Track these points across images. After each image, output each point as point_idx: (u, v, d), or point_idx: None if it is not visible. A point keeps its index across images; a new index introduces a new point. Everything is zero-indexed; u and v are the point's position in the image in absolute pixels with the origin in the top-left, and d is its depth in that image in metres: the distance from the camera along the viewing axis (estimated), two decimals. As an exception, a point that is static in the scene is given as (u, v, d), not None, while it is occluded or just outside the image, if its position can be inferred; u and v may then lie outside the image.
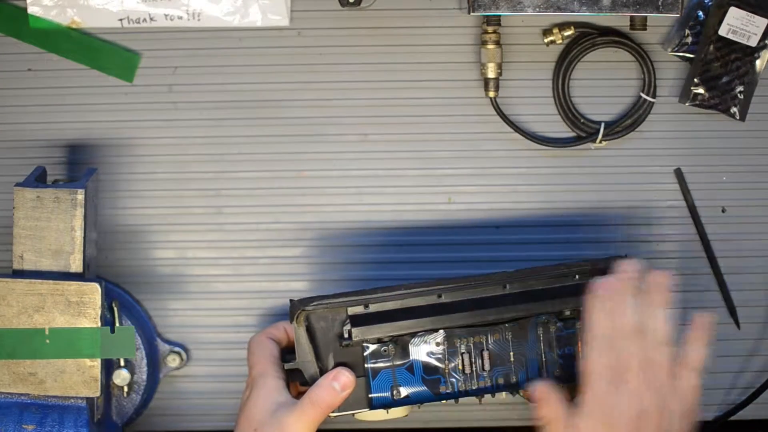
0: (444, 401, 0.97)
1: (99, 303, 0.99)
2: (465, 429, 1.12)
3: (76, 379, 0.99)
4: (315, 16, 1.09)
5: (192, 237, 1.10)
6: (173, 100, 1.10)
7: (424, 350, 0.96)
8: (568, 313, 0.97)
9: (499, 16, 1.05)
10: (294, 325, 0.96)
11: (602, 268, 0.98)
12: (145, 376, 1.08)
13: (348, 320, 0.96)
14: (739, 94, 1.08)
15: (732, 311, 1.11)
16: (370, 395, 0.96)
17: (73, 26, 1.08)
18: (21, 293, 0.99)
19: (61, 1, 1.07)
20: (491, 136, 1.10)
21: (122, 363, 1.05)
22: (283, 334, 1.03)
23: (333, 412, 0.95)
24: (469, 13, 1.03)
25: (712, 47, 1.07)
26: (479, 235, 1.10)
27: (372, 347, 0.96)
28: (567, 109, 1.09)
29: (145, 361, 1.07)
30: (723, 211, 1.11)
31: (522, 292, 0.97)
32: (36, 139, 1.09)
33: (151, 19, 1.08)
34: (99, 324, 0.99)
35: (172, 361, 1.10)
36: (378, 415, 0.98)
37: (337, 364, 0.96)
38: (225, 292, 1.10)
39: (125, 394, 1.07)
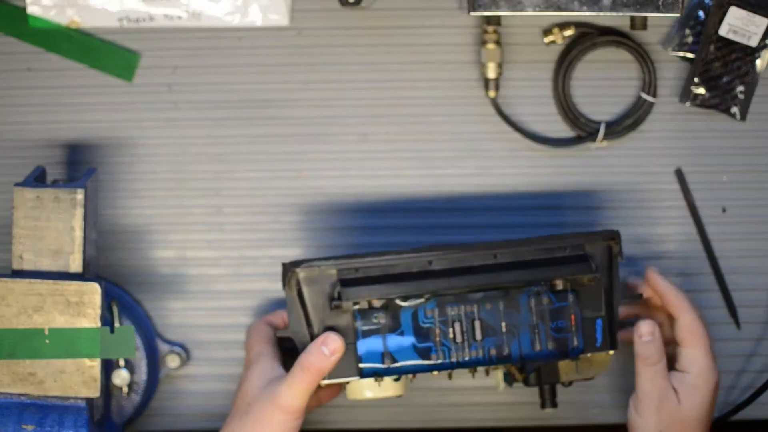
0: (436, 372, 0.95)
1: (99, 303, 0.99)
2: (465, 429, 1.12)
3: (76, 379, 0.99)
4: (315, 15, 1.09)
5: (192, 237, 1.10)
6: (173, 99, 1.09)
7: (414, 318, 0.95)
8: (560, 286, 0.96)
9: (499, 15, 1.05)
10: (285, 290, 0.95)
11: (594, 241, 0.97)
12: (145, 376, 1.08)
13: (338, 282, 0.95)
14: (739, 94, 1.08)
15: (732, 311, 1.11)
16: (359, 362, 0.94)
17: (73, 26, 1.08)
18: (21, 293, 0.98)
19: (60, 1, 1.07)
20: (491, 136, 1.10)
21: (122, 363, 1.05)
22: (281, 322, 1.04)
23: (324, 379, 0.94)
24: (469, 12, 1.03)
25: (712, 47, 1.07)
26: (479, 235, 1.10)
27: (362, 314, 0.94)
28: (567, 109, 1.09)
29: (145, 361, 1.07)
30: (723, 211, 1.11)
31: (513, 262, 0.96)
32: (36, 139, 1.09)
33: (151, 18, 1.08)
34: (99, 324, 0.99)
35: (172, 361, 1.10)
36: (370, 389, 0.97)
37: (326, 329, 0.95)
38: (225, 292, 1.10)
39: (125, 394, 1.07)
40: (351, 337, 0.95)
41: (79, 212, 1.00)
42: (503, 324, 0.96)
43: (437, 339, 0.95)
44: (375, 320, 0.95)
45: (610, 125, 1.09)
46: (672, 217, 1.11)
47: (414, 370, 0.95)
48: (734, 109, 1.09)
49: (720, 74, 1.08)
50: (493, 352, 0.95)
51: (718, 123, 1.10)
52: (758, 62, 1.08)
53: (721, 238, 1.11)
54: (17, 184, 1.01)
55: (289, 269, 0.95)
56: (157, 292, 1.10)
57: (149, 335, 1.09)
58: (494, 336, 0.95)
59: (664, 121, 1.10)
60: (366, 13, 1.09)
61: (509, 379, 1.05)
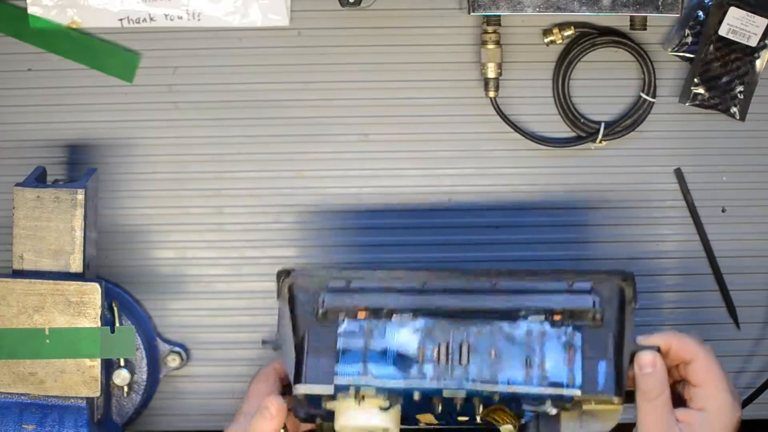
0: (417, 397, 0.90)
1: (99, 303, 0.99)
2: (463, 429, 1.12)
3: (76, 379, 0.99)
4: (315, 16, 1.09)
5: (192, 237, 1.10)
6: (173, 100, 1.10)
7: (400, 336, 0.91)
8: (560, 322, 0.90)
9: (499, 16, 1.05)
10: (279, 300, 0.94)
11: (602, 281, 0.91)
12: (145, 376, 1.08)
13: (326, 290, 0.92)
14: (739, 94, 1.08)
15: (732, 311, 1.11)
16: (335, 371, 0.90)
17: (73, 26, 1.08)
18: (21, 293, 0.99)
19: (61, 1, 1.07)
20: (491, 136, 1.10)
21: (122, 363, 1.05)
22: None
23: (301, 385, 0.90)
24: (469, 13, 1.03)
25: (712, 47, 1.07)
26: (479, 235, 1.10)
27: (345, 325, 0.91)
28: (567, 109, 1.09)
29: (145, 361, 1.07)
30: (723, 211, 1.11)
31: (511, 290, 0.92)
32: (36, 139, 1.09)
33: (151, 19, 1.08)
34: (99, 324, 0.99)
35: (172, 361, 1.10)
36: (358, 418, 0.92)
37: (310, 343, 0.91)
38: (225, 292, 1.10)
39: (125, 394, 1.07)
40: (333, 348, 0.91)
41: (80, 212, 1.00)
42: (492, 352, 0.90)
43: (420, 358, 0.90)
44: (359, 332, 0.91)
45: (609, 125, 1.09)
46: (672, 217, 1.11)
47: (390, 389, 0.90)
48: (734, 109, 1.09)
49: (720, 74, 1.08)
50: (477, 378, 0.89)
51: (718, 123, 1.10)
52: (758, 62, 1.08)
53: (720, 238, 1.11)
54: (18, 185, 1.01)
55: (282, 275, 0.94)
56: (157, 292, 1.10)
57: (149, 335, 1.09)
58: (481, 363, 0.90)
59: (664, 121, 1.10)
60: (366, 14, 1.09)
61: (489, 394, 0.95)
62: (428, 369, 0.90)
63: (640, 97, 1.09)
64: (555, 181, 1.10)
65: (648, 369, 0.89)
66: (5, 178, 1.09)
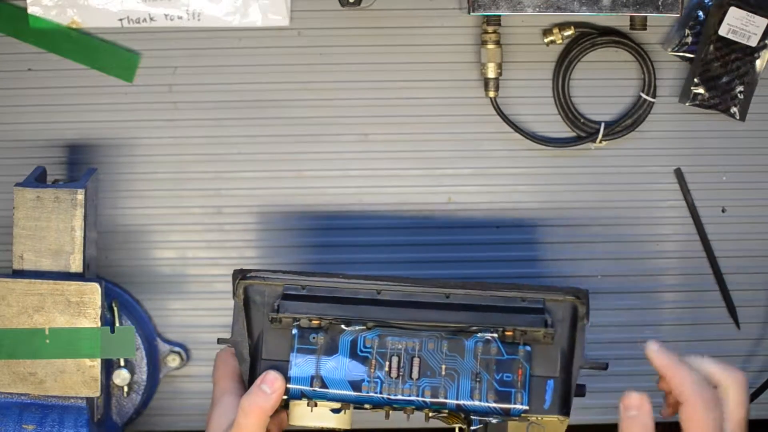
0: (368, 406, 0.91)
1: (99, 303, 0.99)
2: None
3: (76, 379, 0.99)
4: (315, 16, 1.09)
5: (192, 237, 1.10)
6: (173, 100, 1.10)
7: (353, 345, 0.91)
8: (512, 338, 0.91)
9: (499, 16, 1.05)
10: (235, 299, 0.93)
11: (556, 297, 0.91)
12: (145, 376, 1.08)
13: (281, 296, 0.92)
14: (739, 94, 1.08)
15: (732, 311, 1.11)
16: (288, 382, 0.91)
17: (73, 26, 1.08)
18: (21, 293, 0.99)
19: (61, 1, 1.07)
20: (491, 136, 1.10)
21: (122, 363, 1.05)
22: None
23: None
24: (469, 13, 1.03)
25: (712, 47, 1.07)
26: (479, 235, 1.10)
27: (301, 332, 0.92)
28: (567, 109, 1.09)
29: (145, 361, 1.08)
30: (723, 211, 1.11)
31: (465, 304, 0.92)
32: (36, 139, 1.09)
33: (151, 19, 1.08)
34: (99, 324, 0.99)
35: (172, 361, 1.10)
36: (311, 417, 0.93)
37: (264, 346, 0.92)
38: (225, 292, 1.10)
39: (125, 394, 1.07)
40: (285, 355, 0.92)
41: (80, 212, 1.00)
42: (443, 366, 0.91)
43: (372, 370, 0.91)
44: (312, 341, 0.91)
45: (609, 125, 1.09)
46: (672, 217, 1.11)
47: (341, 399, 0.91)
48: (734, 109, 1.09)
49: (720, 74, 1.08)
50: (427, 393, 0.90)
51: (718, 123, 1.10)
52: (758, 62, 1.08)
53: (720, 238, 1.11)
54: (18, 185, 1.01)
55: (237, 277, 0.93)
56: (157, 292, 1.10)
57: (149, 335, 1.09)
58: (432, 377, 0.91)
59: (664, 121, 1.10)
60: (366, 14, 1.09)
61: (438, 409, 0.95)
62: (379, 382, 0.91)
63: (640, 97, 1.09)
64: (555, 181, 1.10)
65: (633, 412, 0.84)
66: (5, 178, 1.09)
